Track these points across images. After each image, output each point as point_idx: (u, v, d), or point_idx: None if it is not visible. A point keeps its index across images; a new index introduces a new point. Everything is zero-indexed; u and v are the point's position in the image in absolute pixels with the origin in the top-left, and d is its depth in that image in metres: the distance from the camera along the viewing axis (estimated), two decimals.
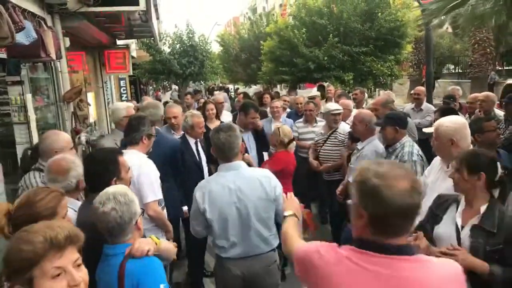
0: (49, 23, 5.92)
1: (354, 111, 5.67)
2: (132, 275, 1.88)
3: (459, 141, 2.94)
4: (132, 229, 2.04)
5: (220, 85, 29.07)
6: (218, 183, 2.77)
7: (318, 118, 6.00)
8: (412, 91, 7.59)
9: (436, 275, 1.42)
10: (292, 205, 2.35)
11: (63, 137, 3.17)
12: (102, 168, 2.46)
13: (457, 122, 3.07)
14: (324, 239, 1.76)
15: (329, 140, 5.26)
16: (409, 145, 3.79)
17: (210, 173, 4.48)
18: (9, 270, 1.34)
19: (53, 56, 5.11)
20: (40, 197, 1.99)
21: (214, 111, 5.74)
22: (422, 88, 7.34)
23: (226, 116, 6.67)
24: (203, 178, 4.05)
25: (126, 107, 4.57)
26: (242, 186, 2.74)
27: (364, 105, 7.03)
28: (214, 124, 5.00)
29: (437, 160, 3.28)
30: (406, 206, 1.39)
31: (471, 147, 3.07)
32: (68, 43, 6.65)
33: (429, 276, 1.41)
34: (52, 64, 6.12)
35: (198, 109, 7.46)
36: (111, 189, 2.05)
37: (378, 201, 1.40)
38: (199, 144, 4.65)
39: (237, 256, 2.78)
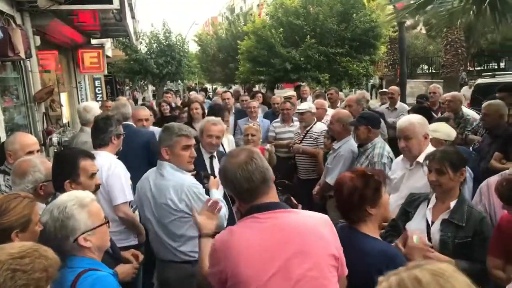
0: (19, 21, 5.76)
1: (330, 111, 5.74)
2: None
3: (428, 135, 3.10)
4: (72, 246, 1.81)
5: (203, 86, 28.91)
6: (145, 177, 2.84)
7: (294, 118, 6.03)
8: (380, 91, 7.73)
9: (310, 219, 1.78)
10: (210, 223, 2.15)
11: (29, 138, 3.06)
12: (57, 168, 2.38)
13: (423, 118, 3.19)
14: None
15: (304, 139, 5.29)
16: (379, 147, 3.83)
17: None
18: None
19: (22, 55, 4.97)
20: (13, 206, 1.87)
21: (200, 110, 5.57)
22: (396, 88, 7.47)
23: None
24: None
25: (97, 107, 4.48)
26: (155, 189, 2.72)
27: (338, 105, 7.10)
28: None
29: (399, 159, 3.36)
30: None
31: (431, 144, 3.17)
32: (38, 42, 6.48)
33: (305, 220, 1.77)
34: (22, 63, 5.95)
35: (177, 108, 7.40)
36: (59, 199, 1.88)
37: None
38: (215, 160, 3.73)
39: (156, 254, 2.85)
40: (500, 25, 5.03)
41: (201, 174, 3.04)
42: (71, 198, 1.86)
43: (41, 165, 2.49)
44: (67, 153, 2.66)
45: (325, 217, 1.83)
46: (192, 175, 2.88)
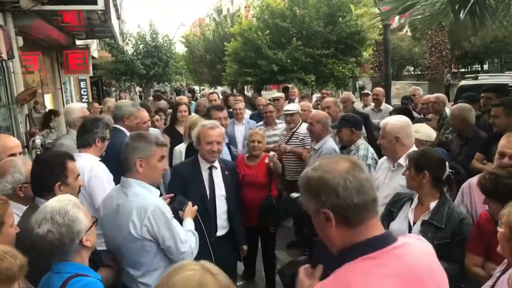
0: (0, 22, 5.68)
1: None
2: None
3: (403, 138, 3.10)
4: (76, 248, 1.82)
5: (190, 87, 28.77)
6: (110, 194, 2.54)
7: (278, 121, 6.00)
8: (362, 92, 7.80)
9: (424, 252, 1.36)
10: None
11: (11, 141, 3.01)
12: (46, 171, 2.32)
13: (402, 120, 3.22)
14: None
15: (291, 140, 5.31)
16: (363, 148, 3.87)
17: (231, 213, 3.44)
18: None
19: (4, 56, 4.90)
20: None
21: (187, 113, 5.37)
22: (380, 89, 7.55)
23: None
24: (208, 217, 3.20)
25: (81, 108, 4.42)
26: (116, 209, 2.37)
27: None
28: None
29: (383, 160, 3.40)
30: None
31: (414, 145, 3.21)
32: (21, 43, 6.39)
33: (429, 259, 1.35)
34: (4, 64, 5.86)
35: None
36: (50, 205, 1.82)
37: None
38: (215, 171, 3.37)
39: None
40: (479, 30, 5.12)
41: (178, 199, 2.67)
42: (66, 202, 1.85)
43: (23, 166, 2.44)
44: (54, 154, 2.61)
45: (430, 247, 1.42)
46: (168, 198, 2.64)
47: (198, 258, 2.02)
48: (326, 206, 1.26)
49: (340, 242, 1.29)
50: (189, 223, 2.60)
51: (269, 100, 7.26)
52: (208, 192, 3.28)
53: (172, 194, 2.69)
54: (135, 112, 4.11)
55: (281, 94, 7.78)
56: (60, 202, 1.84)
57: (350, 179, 1.25)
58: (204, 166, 3.32)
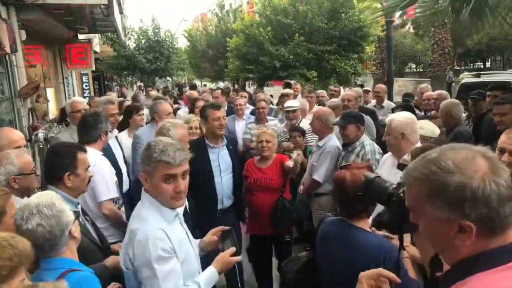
0: (4, 15, 5.67)
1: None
2: None
3: (409, 135, 3.10)
4: (66, 240, 1.83)
5: (192, 82, 28.75)
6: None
7: (269, 117, 5.93)
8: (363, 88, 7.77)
9: None
10: None
11: (15, 134, 3.03)
12: (57, 161, 2.39)
13: (407, 117, 3.23)
14: None
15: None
16: (369, 144, 3.87)
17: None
18: None
19: (7, 49, 4.91)
20: None
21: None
22: (382, 86, 7.53)
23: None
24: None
25: (71, 102, 4.43)
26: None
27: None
28: None
29: (387, 156, 3.41)
30: None
31: (419, 141, 3.21)
32: (24, 36, 6.38)
33: None
34: (7, 58, 5.86)
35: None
36: (33, 201, 1.81)
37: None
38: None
39: None
40: (481, 28, 5.10)
41: (229, 239, 2.25)
42: (48, 196, 1.87)
43: (16, 158, 2.46)
44: (66, 145, 2.67)
45: None
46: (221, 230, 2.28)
47: None
48: (470, 218, 0.99)
49: (468, 252, 1.05)
50: (209, 276, 2.04)
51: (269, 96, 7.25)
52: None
53: (228, 228, 2.30)
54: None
55: (290, 90, 7.69)
56: (42, 197, 1.86)
57: (502, 183, 0.99)
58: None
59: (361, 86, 12.53)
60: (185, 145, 3.43)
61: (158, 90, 15.47)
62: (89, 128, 3.18)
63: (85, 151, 2.55)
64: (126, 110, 5.09)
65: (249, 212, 4.01)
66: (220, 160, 3.71)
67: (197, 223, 3.16)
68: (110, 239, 2.82)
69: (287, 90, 7.66)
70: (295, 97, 7.77)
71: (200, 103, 5.47)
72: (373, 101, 7.37)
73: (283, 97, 6.72)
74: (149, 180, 1.91)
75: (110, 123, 3.61)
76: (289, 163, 3.74)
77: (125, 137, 4.59)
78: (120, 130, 4.71)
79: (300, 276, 2.38)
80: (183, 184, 1.92)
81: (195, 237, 2.34)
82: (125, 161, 4.08)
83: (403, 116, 3.24)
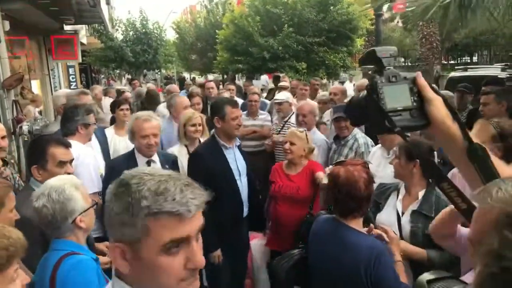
0: None
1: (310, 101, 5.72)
2: (62, 274, 1.77)
3: None
4: (69, 227, 1.88)
5: (181, 75, 28.50)
6: None
7: (260, 111, 5.86)
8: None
9: None
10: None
11: None
12: (27, 153, 2.39)
13: None
14: None
15: (282, 130, 5.28)
16: (362, 136, 3.88)
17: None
18: None
19: None
20: None
21: (201, 106, 5.18)
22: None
23: None
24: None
25: (64, 95, 4.37)
26: None
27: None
28: None
29: (377, 148, 3.42)
30: None
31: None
32: (8, 27, 6.24)
33: None
34: None
35: None
36: (50, 182, 1.90)
37: None
38: (154, 165, 3.14)
39: None
40: (469, 22, 5.13)
41: None
42: (65, 181, 1.92)
43: None
44: (38, 139, 2.65)
45: None
46: None
47: None
48: None
49: None
50: None
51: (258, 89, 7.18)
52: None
53: None
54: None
55: (286, 83, 7.61)
56: (60, 180, 1.91)
57: None
58: (141, 161, 3.08)
59: (342, 83, 12.63)
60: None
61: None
62: (66, 120, 3.17)
63: (64, 145, 2.47)
64: (111, 105, 5.00)
65: (270, 224, 3.52)
66: (238, 162, 3.33)
67: (223, 240, 3.03)
68: (94, 234, 2.78)
69: (284, 83, 7.62)
70: (283, 89, 7.77)
71: (197, 99, 5.26)
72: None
73: (280, 90, 6.68)
74: (131, 255, 0.96)
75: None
76: (323, 178, 3.05)
77: (111, 133, 4.43)
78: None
79: (292, 273, 2.37)
80: (199, 251, 1.00)
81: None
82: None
83: None
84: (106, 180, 2.99)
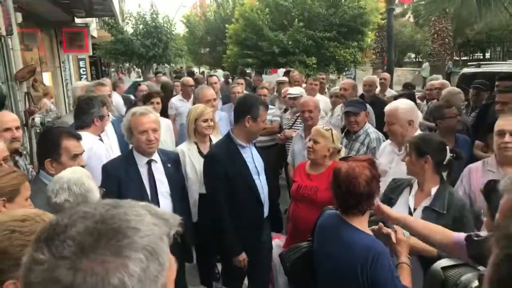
0: None
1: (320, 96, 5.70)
2: None
3: (415, 122, 3.09)
4: None
5: (190, 69, 28.46)
6: None
7: (270, 106, 5.81)
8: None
9: None
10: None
11: (3, 116, 2.97)
12: (41, 146, 2.38)
13: (410, 103, 3.22)
14: None
15: (295, 124, 5.26)
16: (374, 131, 3.86)
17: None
18: None
19: (3, 32, 4.81)
20: (1, 174, 1.89)
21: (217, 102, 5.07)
22: (387, 74, 7.56)
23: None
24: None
25: (82, 86, 4.37)
26: None
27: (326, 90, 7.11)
28: None
29: (387, 144, 3.39)
30: None
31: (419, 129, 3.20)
32: (20, 19, 6.27)
33: None
34: (3, 41, 5.76)
35: None
36: (66, 176, 1.88)
37: None
38: (155, 165, 2.95)
39: None
40: (485, 15, 5.06)
41: None
42: (80, 173, 1.91)
43: None
44: (50, 131, 2.62)
45: None
46: None
47: None
48: None
49: None
50: None
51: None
52: (148, 191, 2.84)
53: None
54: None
55: (285, 78, 7.62)
56: (75, 173, 1.90)
57: None
58: (141, 161, 2.86)
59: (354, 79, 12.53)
60: None
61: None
62: (81, 113, 3.14)
63: (76, 137, 2.46)
64: (143, 97, 4.99)
65: (289, 224, 3.38)
66: (255, 160, 3.16)
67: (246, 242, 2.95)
68: None
69: (283, 78, 7.61)
70: (294, 84, 7.74)
71: (210, 92, 5.24)
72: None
73: (279, 85, 6.67)
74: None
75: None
76: None
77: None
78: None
79: (298, 265, 2.34)
80: None
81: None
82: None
83: (407, 103, 3.21)
84: (102, 185, 2.73)
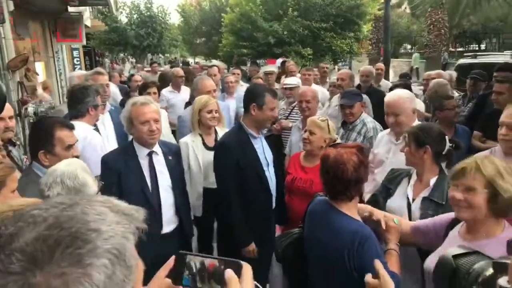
0: None
1: (317, 87, 5.67)
2: None
3: (419, 110, 3.10)
4: None
5: (185, 59, 28.28)
6: None
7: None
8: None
9: None
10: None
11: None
12: (34, 137, 2.31)
13: (409, 93, 3.21)
14: None
15: (291, 115, 5.23)
16: (371, 121, 3.85)
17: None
18: None
19: None
20: None
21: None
22: (382, 65, 7.60)
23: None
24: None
25: (79, 75, 4.31)
26: None
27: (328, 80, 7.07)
28: None
29: (384, 134, 3.37)
30: None
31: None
32: (12, 7, 6.15)
33: None
34: None
35: None
36: (60, 168, 1.82)
37: None
38: (156, 156, 2.85)
39: None
40: (480, 6, 5.05)
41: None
42: (75, 166, 1.84)
43: None
44: (43, 122, 2.55)
45: None
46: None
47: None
48: None
49: None
50: None
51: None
52: (149, 184, 2.75)
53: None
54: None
55: (273, 69, 7.57)
56: (70, 166, 1.83)
57: None
58: (141, 153, 2.76)
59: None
60: None
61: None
62: (76, 102, 3.09)
63: (69, 127, 2.40)
64: (139, 88, 4.99)
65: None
66: (265, 151, 3.11)
67: (256, 240, 2.91)
68: None
69: (270, 68, 7.53)
70: (289, 75, 7.68)
71: (210, 83, 5.22)
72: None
73: (266, 75, 6.60)
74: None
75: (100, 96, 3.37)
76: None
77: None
78: None
79: (290, 251, 2.35)
80: None
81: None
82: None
83: (407, 93, 3.20)
84: (102, 178, 2.65)
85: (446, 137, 2.54)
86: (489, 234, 1.78)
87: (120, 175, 2.65)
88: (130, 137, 3.88)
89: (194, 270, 0.98)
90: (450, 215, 2.03)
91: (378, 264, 1.72)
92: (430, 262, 1.91)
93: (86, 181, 1.80)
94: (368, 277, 1.73)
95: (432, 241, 2.04)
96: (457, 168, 1.82)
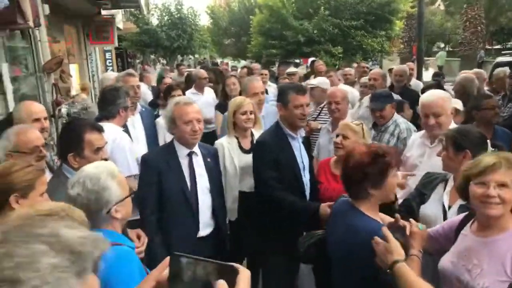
0: None
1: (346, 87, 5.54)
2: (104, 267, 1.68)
3: (459, 109, 3.00)
4: (105, 218, 1.76)
5: (214, 60, 28.55)
6: None
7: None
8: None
9: None
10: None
11: (34, 106, 2.99)
12: (64, 140, 2.33)
13: (445, 92, 3.08)
14: None
15: (319, 116, 5.13)
16: (404, 122, 3.74)
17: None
18: None
19: (31, 23, 4.85)
20: (16, 169, 1.85)
21: (238, 86, 4.99)
22: (411, 64, 7.39)
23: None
24: (190, 214, 2.77)
25: (114, 77, 4.36)
26: None
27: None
28: None
29: (417, 136, 3.22)
30: None
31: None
32: (47, 11, 6.33)
33: None
34: (31, 33, 5.84)
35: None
36: (86, 170, 1.80)
37: None
38: (196, 157, 2.83)
39: None
40: None
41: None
42: (102, 169, 1.81)
43: (13, 134, 2.40)
44: (72, 125, 2.59)
45: None
46: None
47: None
48: None
49: None
50: None
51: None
52: (189, 184, 2.72)
53: None
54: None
55: (296, 69, 7.55)
56: (96, 168, 1.81)
57: None
58: (182, 153, 2.74)
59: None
60: None
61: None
62: (107, 103, 3.12)
63: (98, 130, 2.41)
64: (164, 90, 5.06)
65: None
66: (302, 155, 3.00)
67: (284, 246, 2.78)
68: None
69: (293, 69, 7.46)
70: (318, 75, 7.57)
71: (232, 80, 5.18)
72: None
73: (290, 76, 6.53)
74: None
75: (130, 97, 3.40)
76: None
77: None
78: None
79: (312, 251, 2.34)
80: None
81: None
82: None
83: (443, 93, 3.09)
84: (142, 178, 2.75)
85: (488, 141, 2.40)
86: (503, 228, 1.78)
87: (161, 174, 2.64)
88: (160, 138, 3.95)
89: (188, 273, 0.95)
90: (459, 217, 2.04)
91: (386, 230, 1.79)
92: (444, 262, 1.93)
93: (107, 185, 1.77)
94: (377, 239, 1.79)
95: (442, 246, 2.04)
96: (484, 164, 1.77)
